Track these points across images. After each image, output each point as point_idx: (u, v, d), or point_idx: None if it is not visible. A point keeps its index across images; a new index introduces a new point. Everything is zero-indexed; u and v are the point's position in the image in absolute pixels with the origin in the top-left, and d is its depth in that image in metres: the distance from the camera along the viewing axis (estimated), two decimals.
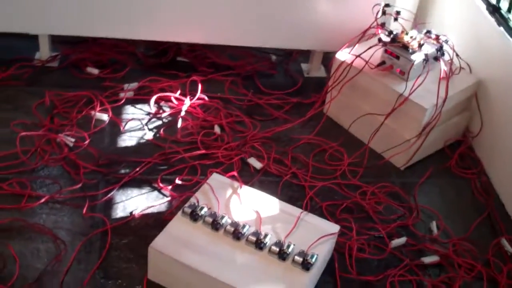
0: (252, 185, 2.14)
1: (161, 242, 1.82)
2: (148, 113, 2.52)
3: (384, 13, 2.40)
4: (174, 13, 2.60)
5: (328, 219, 2.10)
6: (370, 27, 2.43)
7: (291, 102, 2.67)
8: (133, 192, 2.16)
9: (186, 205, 1.92)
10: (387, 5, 2.43)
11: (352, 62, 2.40)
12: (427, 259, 2.05)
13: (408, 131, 2.34)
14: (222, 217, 1.89)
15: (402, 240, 2.09)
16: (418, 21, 2.45)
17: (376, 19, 2.41)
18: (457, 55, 2.44)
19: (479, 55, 2.49)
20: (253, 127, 2.50)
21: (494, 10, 2.33)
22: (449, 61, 2.42)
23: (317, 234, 1.90)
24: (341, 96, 2.52)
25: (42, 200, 2.05)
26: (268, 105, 2.64)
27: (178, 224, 1.89)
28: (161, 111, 2.53)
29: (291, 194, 2.23)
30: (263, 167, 2.31)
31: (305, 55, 2.94)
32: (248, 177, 2.26)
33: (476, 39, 2.53)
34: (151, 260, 1.84)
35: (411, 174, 2.40)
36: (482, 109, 2.47)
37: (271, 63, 2.92)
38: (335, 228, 1.95)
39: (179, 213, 1.92)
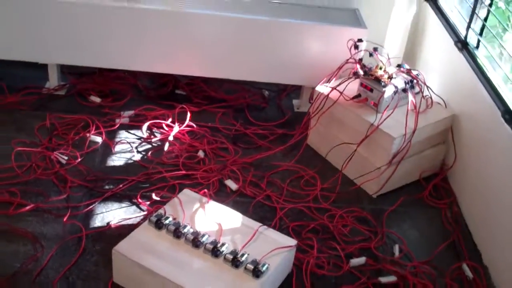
0: (226, 205, 2.26)
1: (125, 246, 1.97)
2: (140, 138, 2.71)
3: (356, 47, 2.55)
4: (173, 47, 2.82)
5: (293, 238, 2.21)
6: (346, 62, 2.57)
7: (276, 133, 2.82)
8: (113, 205, 2.32)
9: (153, 214, 2.07)
10: (359, 40, 2.59)
11: (328, 94, 2.55)
12: (384, 279, 2.12)
13: (378, 159, 2.45)
14: (185, 227, 2.03)
15: (361, 260, 2.17)
16: (392, 57, 2.58)
17: (352, 54, 2.56)
18: (429, 88, 2.56)
19: (454, 91, 2.60)
20: (235, 153, 2.66)
21: (463, 46, 2.45)
22: (420, 93, 2.53)
23: (273, 247, 2.01)
24: (320, 126, 2.66)
25: (27, 208, 2.24)
26: (254, 135, 2.80)
27: (143, 231, 2.03)
28: (152, 137, 2.72)
29: (263, 214, 2.35)
30: (239, 188, 2.45)
31: (297, 91, 3.10)
32: (224, 197, 2.40)
33: (452, 75, 2.65)
34: (115, 263, 1.98)
35: (383, 202, 2.49)
36: (456, 143, 2.56)
37: (263, 98, 3.09)
38: (291, 242, 2.05)
39: (146, 221, 2.07)
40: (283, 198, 2.44)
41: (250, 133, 2.80)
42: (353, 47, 2.56)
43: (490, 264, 2.20)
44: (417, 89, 2.51)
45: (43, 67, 2.97)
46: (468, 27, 2.44)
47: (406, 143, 2.39)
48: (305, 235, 2.26)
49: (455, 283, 2.13)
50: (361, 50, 2.61)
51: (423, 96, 2.53)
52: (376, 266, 2.17)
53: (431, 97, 2.57)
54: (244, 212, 2.24)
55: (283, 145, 2.71)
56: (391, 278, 2.12)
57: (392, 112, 2.41)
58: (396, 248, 2.25)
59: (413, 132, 2.40)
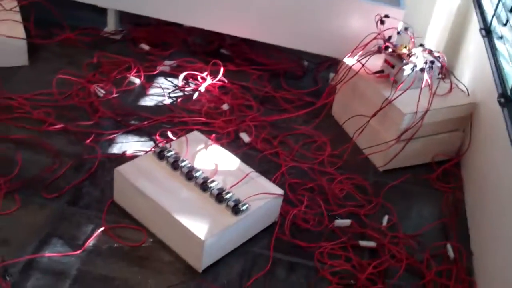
0: (236, 155, 2.41)
1: (126, 168, 2.17)
2: (175, 86, 2.91)
3: (382, 22, 2.61)
4: (226, 7, 2.99)
5: (287, 192, 2.33)
6: (375, 38, 2.64)
7: (304, 100, 2.93)
8: (133, 138, 2.54)
9: (159, 147, 2.26)
10: (386, 16, 2.64)
11: (351, 66, 2.63)
12: (364, 243, 2.20)
13: (388, 133, 2.51)
14: (183, 161, 2.20)
15: (346, 221, 2.26)
16: (418, 37, 2.62)
17: (380, 31, 2.63)
18: (450, 72, 2.58)
19: (477, 79, 2.60)
20: (257, 111, 2.80)
21: (486, 33, 2.45)
22: (440, 76, 2.55)
23: (259, 191, 2.14)
24: (343, 97, 2.75)
25: (57, 126, 2.50)
26: (282, 99, 2.93)
27: (146, 159, 2.23)
28: (186, 86, 2.91)
29: (267, 168, 2.48)
30: (251, 141, 2.59)
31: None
32: (236, 148, 2.56)
33: (477, 63, 2.65)
34: (115, 182, 2.19)
35: (388, 176, 2.55)
36: (473, 131, 2.57)
37: (302, 67, 3.20)
38: (279, 191, 2.18)
39: (150, 152, 2.26)
40: (291, 158, 2.56)
41: (278, 97, 2.94)
42: (379, 22, 2.62)
43: (476, 250, 2.22)
44: (437, 71, 2.54)
45: (105, 13, 3.24)
46: (494, 15, 2.43)
47: (416, 121, 2.44)
48: (300, 192, 2.38)
49: (434, 259, 2.18)
50: (389, 28, 2.66)
51: (442, 78, 2.56)
52: (360, 230, 2.26)
53: (451, 81, 2.58)
54: (250, 163, 2.37)
55: (306, 112, 2.83)
56: (371, 243, 2.20)
57: (407, 88, 2.47)
58: (385, 218, 2.32)
59: (425, 111, 2.44)
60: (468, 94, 2.63)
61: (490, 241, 2.13)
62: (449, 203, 2.46)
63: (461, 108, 2.57)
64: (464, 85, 2.65)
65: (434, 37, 3.03)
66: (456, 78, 2.64)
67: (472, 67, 2.73)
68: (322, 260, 2.12)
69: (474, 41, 2.73)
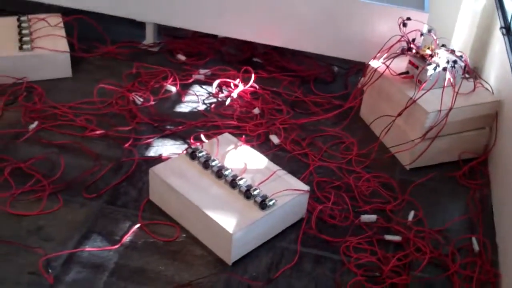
0: (266, 156, 2.52)
1: (160, 168, 2.31)
2: (209, 93, 3.05)
3: (404, 25, 2.68)
4: (258, 18, 3.14)
5: (314, 190, 2.42)
6: (399, 41, 2.71)
7: (333, 103, 3.02)
8: (169, 142, 2.68)
9: (191, 148, 2.39)
10: (408, 19, 2.71)
11: (376, 68, 2.71)
12: (389, 237, 2.26)
13: (414, 132, 2.57)
14: (213, 161, 2.32)
15: (372, 217, 2.33)
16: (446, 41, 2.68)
17: (404, 33, 2.70)
18: (474, 70, 2.62)
19: (501, 77, 2.64)
20: (287, 114, 2.90)
21: (507, 31, 2.50)
22: (461, 72, 2.61)
23: (286, 188, 2.24)
24: (370, 99, 2.83)
25: (97, 132, 2.66)
26: (312, 103, 3.02)
27: (179, 160, 2.36)
28: (219, 93, 3.04)
29: (296, 168, 2.58)
30: (281, 143, 2.70)
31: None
32: (266, 149, 2.67)
33: (500, 62, 2.68)
34: (150, 181, 2.33)
35: (415, 174, 2.61)
36: (498, 128, 2.61)
37: (331, 73, 3.29)
38: (305, 187, 2.27)
39: (184, 152, 2.39)
40: (319, 158, 2.65)
41: (308, 101, 3.03)
42: (401, 25, 2.69)
43: (502, 243, 2.25)
44: (460, 71, 2.59)
45: (143, 27, 3.41)
46: None
47: (440, 119, 2.50)
48: (327, 190, 2.46)
49: (459, 253, 2.22)
50: (413, 30, 2.73)
51: (465, 77, 2.61)
52: (386, 225, 2.32)
53: (474, 80, 2.63)
54: (279, 164, 2.46)
55: (335, 115, 2.92)
56: (396, 237, 2.26)
57: (431, 88, 2.53)
58: (411, 214, 2.38)
59: (449, 110, 2.50)
60: (493, 92, 2.67)
61: None
62: (475, 198, 2.50)
63: (485, 106, 2.61)
64: (488, 84, 2.69)
65: (461, 38, 3.08)
66: (480, 77, 2.68)
67: (497, 66, 2.77)
68: (348, 254, 2.20)
69: (499, 41, 2.77)
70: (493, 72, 2.83)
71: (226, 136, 2.53)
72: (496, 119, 2.65)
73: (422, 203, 2.45)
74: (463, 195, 2.53)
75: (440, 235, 2.30)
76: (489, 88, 2.69)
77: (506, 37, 2.49)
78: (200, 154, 2.35)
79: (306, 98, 3.05)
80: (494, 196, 2.50)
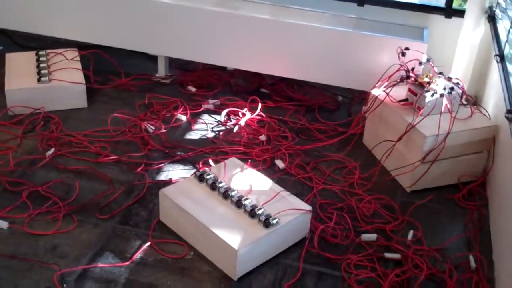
0: (272, 179, 2.63)
1: (170, 190, 2.43)
2: (218, 121, 3.19)
3: (403, 54, 2.82)
4: (265, 50, 3.31)
5: (317, 211, 2.53)
6: (398, 70, 2.84)
7: (337, 130, 3.14)
8: (179, 167, 2.81)
9: (199, 171, 2.51)
10: (406, 48, 2.84)
11: (377, 96, 2.83)
12: (389, 254, 2.35)
13: (413, 155, 2.67)
14: (220, 183, 2.44)
15: (372, 236, 2.42)
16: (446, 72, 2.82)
17: (404, 63, 2.83)
18: (470, 97, 2.74)
19: (499, 103, 2.74)
20: (292, 141, 3.02)
21: (501, 59, 2.62)
22: (458, 98, 2.73)
23: (289, 208, 2.35)
24: (372, 125, 2.95)
25: (111, 158, 2.80)
26: (316, 130, 3.15)
27: (188, 182, 2.48)
28: (228, 121, 3.18)
29: (300, 191, 2.69)
30: (286, 167, 2.81)
31: None
32: (272, 173, 2.78)
33: (496, 88, 2.80)
34: (160, 203, 2.44)
35: (415, 196, 2.70)
36: (496, 151, 2.70)
37: (336, 102, 3.42)
38: (307, 207, 2.37)
39: (192, 175, 2.51)
40: (323, 181, 2.76)
41: (313, 128, 3.16)
42: (400, 54, 2.83)
43: (498, 260, 2.33)
44: (458, 97, 2.71)
45: (156, 60, 3.58)
46: (506, 41, 2.60)
47: (438, 144, 2.60)
48: (329, 210, 2.56)
49: (456, 269, 2.30)
50: (412, 60, 2.86)
51: (462, 103, 2.72)
52: (386, 244, 2.41)
53: (471, 106, 2.74)
54: (284, 187, 2.57)
55: (339, 141, 3.04)
56: (395, 255, 2.35)
57: (428, 113, 2.64)
58: (411, 233, 2.47)
59: (447, 134, 2.60)
60: (490, 117, 2.78)
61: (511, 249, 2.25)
62: (473, 219, 2.58)
63: (482, 130, 2.72)
64: (485, 110, 2.80)
65: (461, 67, 3.19)
66: (477, 103, 2.79)
67: (494, 92, 2.88)
68: (349, 270, 2.28)
69: (496, 69, 2.89)
70: (491, 99, 2.94)
71: (233, 160, 2.65)
72: (493, 143, 2.75)
73: (421, 223, 2.54)
74: (461, 216, 2.62)
75: (438, 253, 2.38)
76: (486, 114, 2.80)
77: (500, 64, 2.61)
78: (208, 177, 2.47)
79: (311, 125, 3.18)
80: (491, 216, 2.58)
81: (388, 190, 2.74)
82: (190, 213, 2.30)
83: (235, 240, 2.18)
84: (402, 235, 2.47)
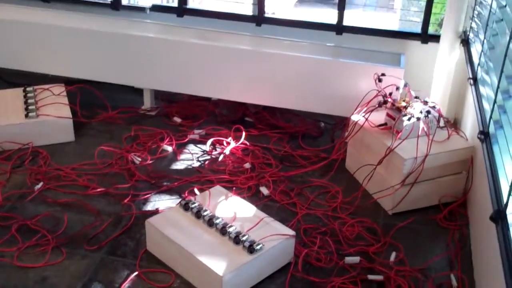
0: (257, 206, 2.69)
1: (155, 220, 2.48)
2: (203, 151, 3.25)
3: (379, 80, 2.91)
4: (248, 80, 3.40)
5: (301, 236, 2.58)
6: (376, 95, 2.93)
7: (320, 156, 3.21)
8: (166, 197, 2.86)
9: (184, 200, 2.56)
10: (382, 74, 2.94)
11: (357, 121, 2.91)
12: (372, 276, 2.40)
13: (393, 178, 2.74)
14: (205, 211, 2.49)
15: (355, 258, 2.47)
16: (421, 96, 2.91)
17: (381, 89, 2.92)
18: (446, 120, 2.82)
19: (475, 125, 2.83)
20: (276, 168, 3.09)
21: (474, 82, 2.70)
22: (435, 121, 2.81)
23: (272, 234, 2.40)
24: (353, 150, 3.02)
25: (98, 190, 2.85)
26: (299, 157, 3.21)
27: (173, 211, 2.54)
28: (213, 150, 3.24)
29: (285, 216, 2.74)
30: (270, 194, 2.87)
31: None
32: (257, 200, 2.84)
33: (471, 111, 2.88)
34: (147, 232, 2.49)
35: (397, 218, 2.76)
36: (475, 171, 2.77)
37: (318, 129, 3.50)
38: (290, 232, 2.43)
39: (178, 204, 2.57)
40: (306, 206, 2.82)
41: (296, 155, 3.23)
42: (377, 80, 2.92)
43: (479, 279, 2.38)
44: (433, 119, 2.79)
45: (141, 93, 3.66)
46: (478, 64, 2.70)
47: (416, 166, 2.67)
48: (313, 235, 2.61)
49: None
50: (390, 85, 2.95)
51: (439, 125, 2.80)
52: (369, 265, 2.46)
53: (447, 129, 2.82)
54: (269, 213, 2.63)
55: (322, 166, 3.11)
56: (378, 277, 2.40)
57: (406, 137, 2.72)
58: (393, 255, 2.52)
59: (425, 156, 2.68)
60: (467, 139, 2.86)
61: (491, 270, 2.30)
62: (455, 238, 2.64)
63: (460, 152, 2.80)
64: (463, 132, 2.88)
65: (439, 91, 3.28)
66: (454, 126, 2.87)
67: (471, 114, 2.96)
68: None
69: (473, 92, 2.98)
70: (468, 120, 3.02)
71: (218, 188, 2.71)
72: (471, 163, 2.82)
73: (404, 244, 2.60)
74: (443, 236, 2.68)
75: (420, 273, 2.43)
76: (463, 135, 2.88)
77: (473, 87, 2.70)
78: (193, 205, 2.52)
79: (294, 152, 3.25)
80: (472, 236, 2.64)
81: (370, 213, 2.80)
82: (175, 241, 2.35)
83: (220, 267, 2.23)
84: (384, 257, 2.52)
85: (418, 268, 2.46)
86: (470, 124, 2.98)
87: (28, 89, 3.48)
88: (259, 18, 3.61)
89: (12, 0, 3.85)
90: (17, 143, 3.16)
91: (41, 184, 2.87)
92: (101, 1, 3.85)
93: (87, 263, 2.42)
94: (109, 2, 3.77)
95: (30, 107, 3.28)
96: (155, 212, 2.73)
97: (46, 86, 3.51)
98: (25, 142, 3.18)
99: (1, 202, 2.75)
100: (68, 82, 3.62)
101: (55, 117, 3.22)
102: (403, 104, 2.83)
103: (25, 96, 3.40)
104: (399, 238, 2.64)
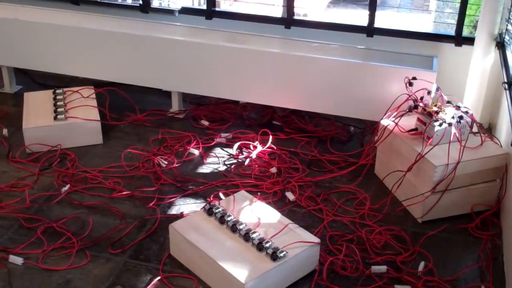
0: (282, 212, 2.64)
1: (179, 224, 2.46)
2: (230, 154, 3.22)
3: (410, 84, 2.83)
4: (276, 83, 3.36)
5: (327, 243, 2.53)
6: (406, 100, 2.85)
7: (348, 161, 3.14)
8: (191, 201, 2.84)
9: (208, 204, 2.53)
10: (413, 78, 2.86)
11: (386, 126, 2.84)
12: (399, 287, 2.33)
13: (423, 185, 2.66)
14: (229, 216, 2.46)
15: (382, 268, 2.41)
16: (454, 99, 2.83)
17: (412, 93, 2.84)
18: (480, 125, 2.73)
19: (508, 131, 2.73)
20: (302, 172, 3.04)
21: (509, 86, 2.61)
22: (468, 127, 2.72)
23: (297, 241, 2.35)
24: (383, 156, 2.95)
25: (124, 193, 2.84)
26: (328, 161, 3.16)
27: (197, 216, 2.51)
28: (239, 154, 3.21)
29: (310, 223, 2.69)
30: (296, 199, 2.82)
31: None
32: (282, 205, 2.79)
33: (506, 116, 2.79)
34: (171, 237, 2.47)
35: (427, 227, 2.68)
36: (509, 179, 2.67)
37: (348, 133, 3.43)
38: (315, 240, 2.37)
39: (201, 209, 2.54)
40: (333, 213, 2.76)
41: (324, 160, 3.17)
42: (408, 84, 2.84)
43: None
44: (467, 126, 2.71)
45: (170, 96, 3.66)
46: None
47: (448, 173, 2.59)
48: (339, 242, 2.56)
49: None
50: (421, 89, 2.87)
51: (472, 131, 2.71)
52: (396, 275, 2.39)
53: (481, 134, 2.73)
54: (294, 219, 2.59)
55: (350, 172, 3.04)
56: (405, 287, 2.33)
57: (438, 143, 2.64)
58: (422, 264, 2.44)
59: (457, 163, 2.59)
60: (501, 145, 2.76)
61: None
62: (487, 249, 2.55)
63: (493, 159, 2.70)
64: (497, 138, 2.78)
65: (472, 95, 3.19)
66: (488, 132, 2.78)
67: (506, 120, 2.86)
68: None
69: (508, 96, 2.89)
70: (503, 127, 2.93)
71: (242, 193, 2.67)
72: (506, 171, 2.73)
73: (433, 254, 2.52)
74: (474, 246, 2.59)
75: (449, 284, 2.35)
76: (498, 142, 2.78)
77: (507, 92, 2.60)
78: (217, 210, 2.49)
79: (322, 157, 3.20)
80: (505, 246, 2.55)
81: (399, 220, 2.73)
82: (198, 247, 2.33)
83: (242, 274, 2.19)
84: (412, 267, 2.45)
85: (448, 279, 2.38)
86: (505, 130, 2.88)
87: (57, 91, 3.51)
88: (288, 20, 3.57)
89: (43, 3, 3.90)
90: (45, 145, 3.19)
91: (68, 186, 2.88)
92: (131, 4, 3.87)
93: (111, 267, 2.42)
94: (139, 5, 3.78)
95: (59, 110, 3.30)
96: (180, 216, 2.71)
97: (75, 89, 3.53)
98: (53, 144, 3.20)
99: (28, 204, 2.77)
100: (97, 84, 3.64)
101: (83, 119, 3.24)
102: (435, 109, 2.74)
103: (54, 99, 3.43)
104: (429, 247, 2.56)
